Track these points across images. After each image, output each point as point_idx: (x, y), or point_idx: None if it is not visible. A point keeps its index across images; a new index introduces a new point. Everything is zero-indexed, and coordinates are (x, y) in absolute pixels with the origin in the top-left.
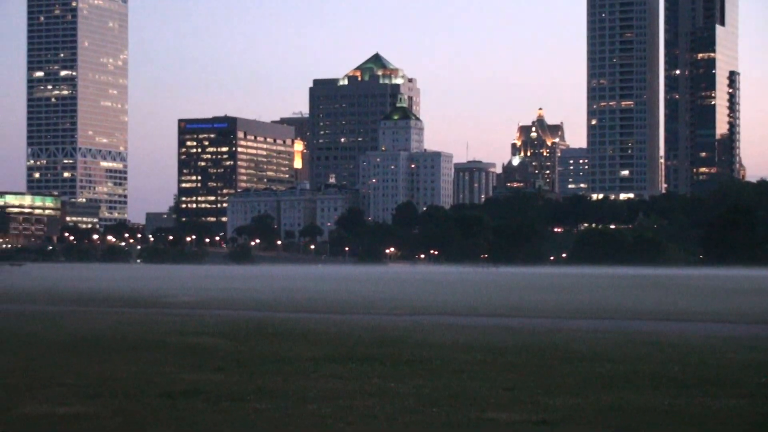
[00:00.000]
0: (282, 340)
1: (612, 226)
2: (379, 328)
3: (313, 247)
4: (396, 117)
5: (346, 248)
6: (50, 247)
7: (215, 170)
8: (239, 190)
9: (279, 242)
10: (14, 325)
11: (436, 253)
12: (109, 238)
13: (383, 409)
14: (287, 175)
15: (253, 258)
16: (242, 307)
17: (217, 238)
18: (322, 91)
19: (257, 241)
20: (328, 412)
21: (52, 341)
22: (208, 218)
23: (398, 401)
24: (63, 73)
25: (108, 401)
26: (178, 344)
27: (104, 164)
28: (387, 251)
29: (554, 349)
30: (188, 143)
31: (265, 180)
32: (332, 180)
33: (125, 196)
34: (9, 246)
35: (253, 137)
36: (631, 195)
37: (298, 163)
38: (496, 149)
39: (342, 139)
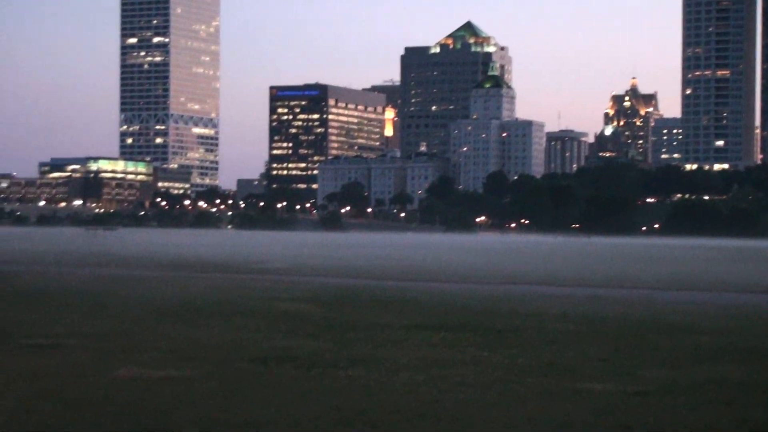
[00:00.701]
0: (373, 307)
1: (706, 198)
2: (471, 296)
3: (403, 215)
4: (488, 85)
5: (436, 216)
6: (142, 213)
7: (306, 137)
8: (330, 158)
9: (369, 210)
10: (109, 290)
11: (526, 222)
12: (200, 203)
13: (477, 378)
14: (378, 143)
15: (343, 225)
16: (333, 274)
17: (308, 205)
18: (413, 58)
19: (347, 208)
20: (421, 380)
21: (146, 306)
22: (299, 185)
23: (491, 371)
24: (156, 39)
25: (201, 366)
26: (269, 310)
27: (196, 130)
28: (477, 220)
29: (649, 321)
30: (279, 110)
31: (356, 147)
32: (423, 148)
33: (216, 163)
34: (102, 211)
35: (344, 105)
36: (726, 166)
37: (388, 131)
38: (589, 118)
39: (433, 107)
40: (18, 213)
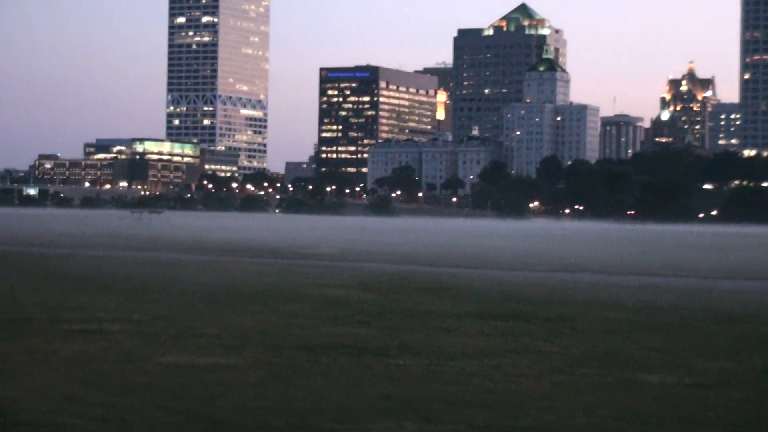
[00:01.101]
0: (425, 294)
1: (764, 184)
2: (524, 284)
3: (454, 200)
4: (542, 68)
5: (489, 202)
6: (188, 195)
7: (356, 120)
8: (380, 141)
9: (420, 194)
10: (154, 275)
11: (580, 208)
12: (248, 186)
13: (531, 368)
14: (429, 126)
15: (393, 210)
16: (383, 260)
17: (357, 189)
18: (466, 41)
19: (398, 192)
20: (474, 369)
21: (192, 291)
22: (348, 168)
23: (546, 360)
24: (205, 19)
25: (248, 352)
26: (318, 296)
27: (244, 112)
28: (530, 206)
29: (706, 310)
30: (329, 92)
31: (407, 131)
32: (475, 132)
33: (264, 145)
34: (147, 193)
35: (395, 87)
36: None
37: (440, 114)
38: (644, 103)
39: (486, 90)
40: (62, 195)
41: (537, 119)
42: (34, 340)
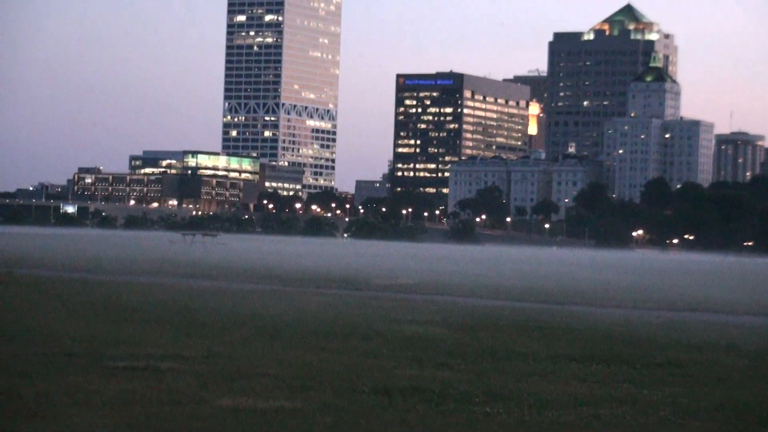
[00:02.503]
0: (515, 333)
1: None
2: (626, 323)
3: (547, 226)
4: (649, 78)
5: (586, 229)
6: (246, 216)
7: (437, 134)
8: (464, 158)
9: (508, 219)
10: (209, 306)
11: (690, 238)
12: (314, 207)
13: (635, 419)
14: (519, 143)
15: (477, 236)
16: (468, 294)
17: (437, 212)
18: (563, 46)
19: (483, 217)
20: (570, 420)
21: (252, 325)
22: (427, 189)
23: (652, 411)
24: (268, 17)
25: (315, 396)
26: (394, 333)
27: (311, 123)
28: (633, 234)
29: None
30: (407, 102)
31: (494, 147)
32: (572, 149)
33: (333, 161)
34: (200, 213)
35: (481, 97)
36: None
37: (532, 129)
38: (766, 119)
39: (585, 103)
40: (104, 213)
41: (642, 136)
42: (74, 378)
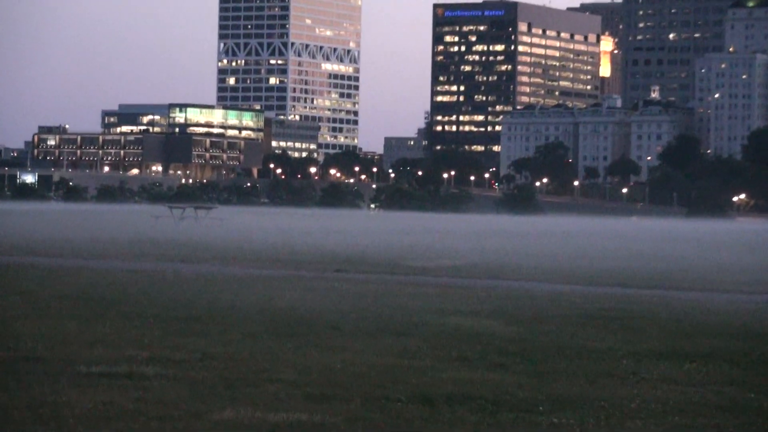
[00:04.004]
0: (586, 325)
1: None
2: (727, 311)
3: (625, 191)
4: (751, 3)
5: (674, 194)
6: (248, 184)
7: (485, 78)
8: (519, 108)
9: (575, 183)
10: (205, 296)
11: None
12: (332, 172)
13: (740, 431)
14: (589, 87)
15: (537, 205)
16: (526, 277)
17: (486, 175)
18: None
19: (544, 180)
20: None
21: (259, 319)
22: (474, 147)
23: (762, 421)
24: None
25: (339, 406)
26: (437, 327)
27: (327, 67)
28: (734, 199)
29: None
30: (447, 39)
31: (557, 93)
32: (654, 94)
33: (355, 114)
34: (190, 181)
35: (540, 31)
36: None
37: (605, 70)
38: None
39: (670, 36)
40: (71, 182)
41: (744, 76)
42: (39, 388)
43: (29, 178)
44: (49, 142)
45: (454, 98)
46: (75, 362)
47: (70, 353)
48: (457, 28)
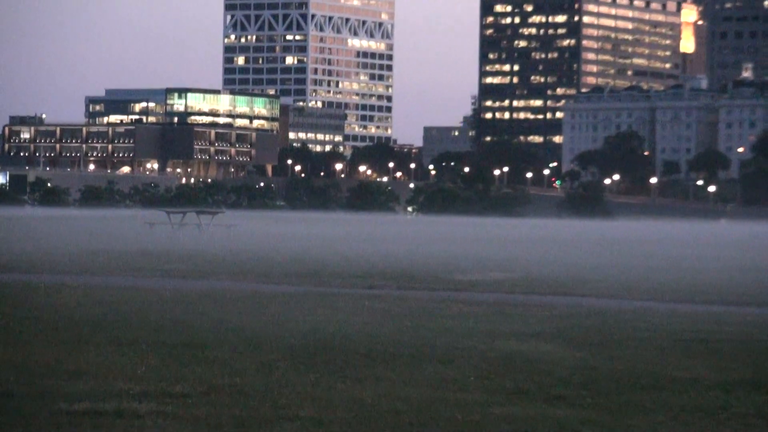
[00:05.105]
0: (665, 350)
1: None
2: None
3: (712, 189)
4: None
5: None
6: (261, 184)
7: (544, 55)
8: (584, 91)
9: (652, 180)
10: (212, 317)
11: None
12: (362, 169)
13: None
14: (668, 65)
15: (606, 207)
16: (593, 292)
17: (546, 171)
18: None
19: (614, 177)
20: None
21: (273, 344)
22: (531, 137)
23: None
24: None
25: None
26: (486, 353)
27: (355, 44)
28: None
29: None
30: (498, 9)
31: (630, 73)
32: (747, 74)
33: (389, 99)
34: (192, 181)
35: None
36: None
37: (687, 45)
38: None
39: (765, 2)
40: (49, 183)
41: None
42: (11, 430)
43: None
44: (22, 135)
45: (507, 80)
46: (54, 398)
47: (48, 387)
48: None
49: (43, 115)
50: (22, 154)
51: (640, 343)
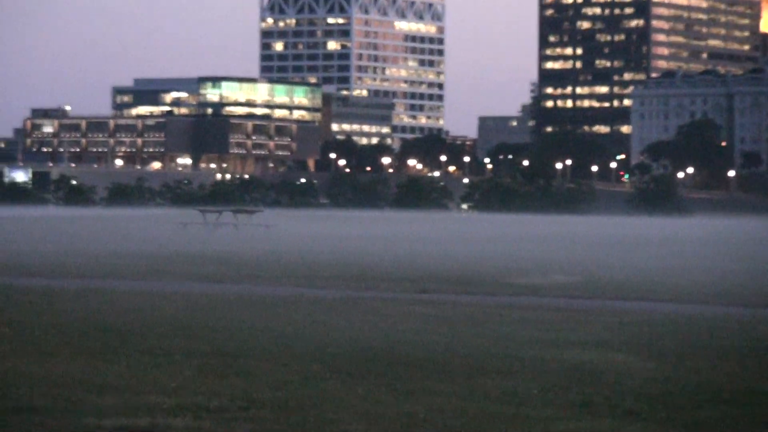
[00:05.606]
0: (747, 360)
1: None
2: None
3: None
4: None
5: None
6: (302, 180)
7: (610, 37)
8: (655, 76)
9: (730, 174)
10: (249, 325)
11: None
12: (411, 163)
13: None
14: (746, 47)
15: (680, 203)
16: (667, 296)
17: (613, 164)
18: None
19: (688, 170)
20: None
21: (317, 353)
22: (596, 127)
23: None
24: None
25: None
26: (550, 363)
27: (403, 27)
28: None
29: None
30: None
31: (705, 56)
32: None
33: (441, 87)
34: (228, 177)
35: None
36: None
37: (767, 24)
38: None
39: None
40: (74, 181)
41: None
42: None
43: (20, 176)
44: (45, 129)
45: (569, 65)
46: (81, 413)
47: (74, 401)
48: None
49: (67, 107)
50: (44, 149)
51: (719, 352)
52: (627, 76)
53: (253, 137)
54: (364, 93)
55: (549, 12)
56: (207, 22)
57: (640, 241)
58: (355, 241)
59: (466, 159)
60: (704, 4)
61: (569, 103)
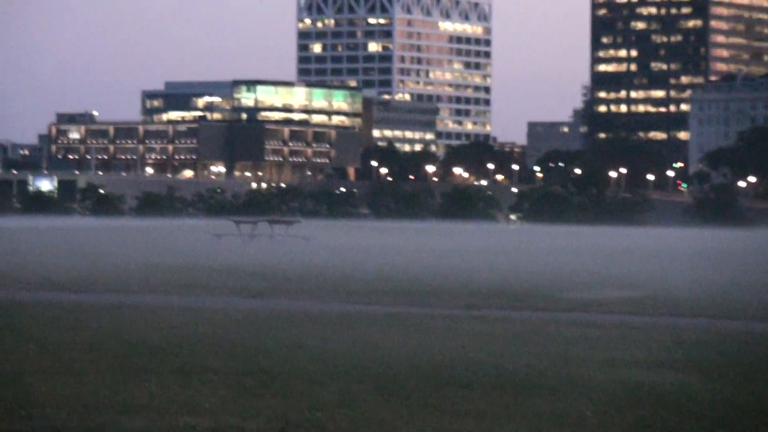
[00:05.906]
0: None
1: None
2: None
3: None
4: None
5: None
6: (342, 189)
7: (666, 39)
8: (714, 79)
9: None
10: (287, 342)
11: None
12: (457, 171)
13: None
14: None
15: (741, 213)
16: (732, 313)
17: (670, 173)
18: None
19: (750, 179)
20: None
21: (361, 373)
22: (652, 134)
23: None
24: None
25: None
26: (607, 384)
27: (447, 27)
28: None
29: None
30: None
31: (766, 58)
32: None
33: (487, 91)
34: (264, 186)
35: None
36: None
37: None
38: None
39: None
40: (101, 190)
41: None
42: None
43: (45, 185)
44: (71, 135)
45: (623, 67)
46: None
47: (102, 422)
48: None
49: (95, 112)
50: (71, 156)
51: None
52: (684, 79)
53: (290, 144)
54: (407, 97)
55: (602, 12)
56: (241, 23)
57: (699, 253)
58: (399, 254)
59: (515, 167)
60: (766, 4)
61: (623, 108)
